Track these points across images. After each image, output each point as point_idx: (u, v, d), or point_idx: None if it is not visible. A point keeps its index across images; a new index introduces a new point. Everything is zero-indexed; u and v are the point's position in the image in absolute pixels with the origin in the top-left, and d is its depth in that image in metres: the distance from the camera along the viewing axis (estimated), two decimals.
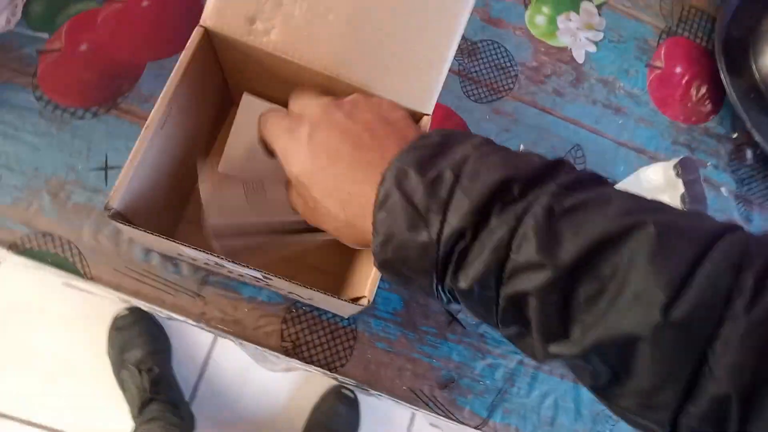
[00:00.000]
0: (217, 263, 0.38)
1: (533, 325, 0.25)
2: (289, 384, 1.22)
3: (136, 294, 0.46)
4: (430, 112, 0.39)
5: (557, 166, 0.28)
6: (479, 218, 0.26)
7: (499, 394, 0.49)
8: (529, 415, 0.49)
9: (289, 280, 0.36)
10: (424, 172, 0.28)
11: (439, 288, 0.28)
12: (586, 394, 0.51)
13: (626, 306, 0.23)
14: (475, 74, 0.56)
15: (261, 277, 0.38)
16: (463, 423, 0.49)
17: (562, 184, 0.26)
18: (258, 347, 0.48)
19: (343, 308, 0.42)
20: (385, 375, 0.48)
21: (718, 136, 0.60)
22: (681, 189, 0.46)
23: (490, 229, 0.26)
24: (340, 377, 0.48)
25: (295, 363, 0.48)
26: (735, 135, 0.60)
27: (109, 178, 0.47)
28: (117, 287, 0.46)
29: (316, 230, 0.36)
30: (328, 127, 0.33)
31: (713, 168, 0.59)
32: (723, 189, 0.59)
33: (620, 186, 0.50)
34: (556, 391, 0.50)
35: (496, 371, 0.50)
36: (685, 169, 0.45)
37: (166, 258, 0.47)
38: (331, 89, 0.38)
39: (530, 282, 0.24)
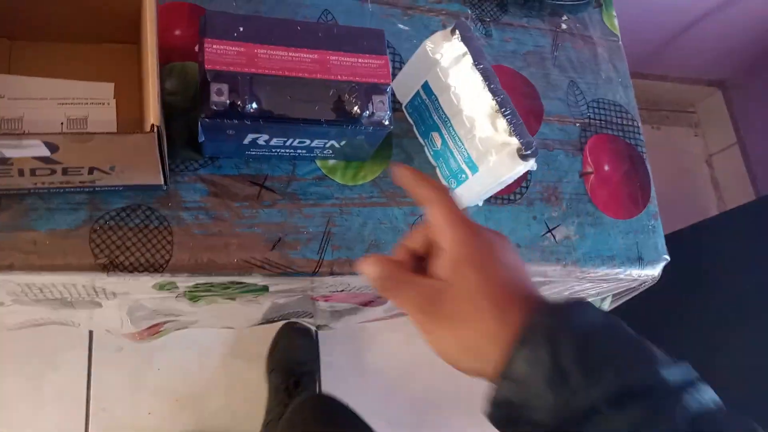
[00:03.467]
0: None
1: None
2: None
3: None
4: None
5: (694, 377, 0.30)
6: (619, 400, 0.28)
7: (324, 236, 0.54)
8: (355, 245, 0.54)
9: (78, 133, 0.37)
10: (577, 335, 0.30)
11: None
12: (397, 211, 0.57)
13: None
14: None
15: (49, 153, 0.38)
16: (300, 272, 0.52)
17: (700, 404, 0.29)
18: (74, 276, 0.47)
19: (142, 154, 0.42)
20: (214, 256, 0.50)
21: None
22: (461, 48, 0.50)
23: (628, 411, 0.28)
24: (169, 276, 0.49)
25: (118, 278, 0.48)
26: None
27: None
28: None
29: None
30: (507, 248, 0.35)
31: (447, 1, 0.67)
32: (459, 14, 0.67)
33: (411, 62, 0.55)
34: (372, 217, 0.56)
35: (314, 219, 0.54)
36: (461, 29, 0.51)
37: None
38: None
39: None
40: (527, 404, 0.29)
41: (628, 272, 0.64)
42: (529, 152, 0.49)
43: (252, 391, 1.24)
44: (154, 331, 0.79)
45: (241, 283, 0.54)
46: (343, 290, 0.61)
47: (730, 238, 1.25)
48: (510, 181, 0.53)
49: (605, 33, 0.73)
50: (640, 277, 0.65)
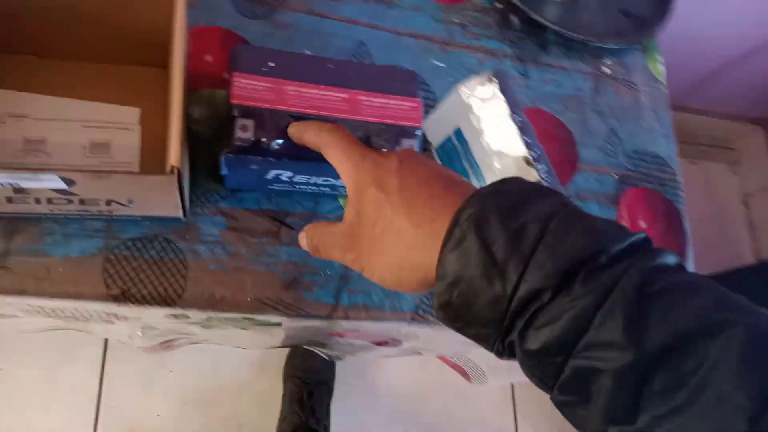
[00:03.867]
0: (15, 184, 0.37)
1: (598, 403, 0.25)
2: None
3: None
4: None
5: (645, 242, 0.27)
6: (561, 281, 0.25)
7: (341, 279, 0.52)
8: (372, 290, 0.52)
9: (95, 170, 0.36)
10: (507, 222, 0.27)
11: (498, 340, 0.28)
12: None
13: (707, 407, 0.22)
14: None
15: (66, 186, 0.37)
16: (314, 315, 0.50)
17: (652, 264, 0.25)
18: (85, 303, 0.46)
19: (160, 191, 0.41)
20: (228, 293, 0.49)
21: (484, 9, 0.66)
22: (500, 98, 0.49)
23: (574, 295, 0.25)
24: (180, 310, 0.48)
25: (129, 310, 0.47)
26: (499, 5, 0.67)
27: None
28: None
29: None
30: (417, 163, 0.33)
31: (486, 38, 0.65)
32: (497, 52, 0.65)
33: (445, 105, 0.53)
34: None
35: (333, 261, 0.52)
36: (499, 77, 0.49)
37: None
38: None
39: (608, 361, 0.24)
40: (467, 304, 0.28)
41: None
42: None
43: (262, 402, 1.23)
44: (168, 345, 0.78)
45: (253, 318, 0.53)
46: (357, 331, 0.59)
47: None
48: None
49: (649, 79, 0.70)
50: None
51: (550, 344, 0.25)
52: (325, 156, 0.37)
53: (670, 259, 0.27)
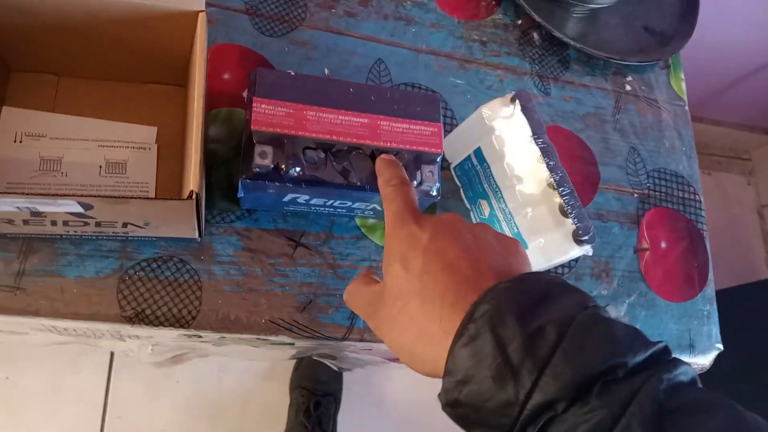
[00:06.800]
0: (32, 208, 0.36)
1: None
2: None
3: None
4: (203, 7, 0.40)
5: (664, 352, 0.27)
6: (577, 393, 0.24)
7: None
8: None
9: (113, 196, 0.35)
10: (524, 323, 0.26)
11: None
12: None
13: None
14: (263, 10, 0.57)
15: (83, 210, 0.36)
16: (329, 338, 0.50)
17: (670, 379, 0.25)
18: (99, 324, 0.46)
19: (178, 215, 0.40)
20: (242, 315, 0.48)
21: (504, 25, 0.65)
22: (522, 120, 0.48)
23: (590, 407, 0.24)
24: (194, 331, 0.47)
25: (143, 330, 0.47)
26: (520, 21, 0.66)
27: None
28: None
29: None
30: (449, 239, 0.32)
31: (506, 55, 0.64)
32: (518, 70, 0.64)
33: (465, 125, 0.52)
34: None
35: (349, 281, 0.51)
36: (522, 99, 0.48)
37: None
38: (100, 11, 0.39)
39: None
40: (477, 406, 0.26)
41: None
42: (586, 238, 0.45)
43: (268, 412, 1.22)
44: (177, 360, 0.78)
45: (267, 339, 0.52)
46: (371, 349, 0.59)
47: None
48: (561, 263, 0.49)
49: (671, 97, 0.69)
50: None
51: None
52: (384, 209, 0.36)
53: (688, 372, 0.26)
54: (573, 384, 0.24)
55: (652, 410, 0.23)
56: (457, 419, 0.28)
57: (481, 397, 0.26)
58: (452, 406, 0.27)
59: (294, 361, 1.24)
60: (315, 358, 0.88)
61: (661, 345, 0.27)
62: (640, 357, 0.25)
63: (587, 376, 0.24)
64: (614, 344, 0.25)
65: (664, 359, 0.26)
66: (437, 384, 0.28)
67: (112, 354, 1.19)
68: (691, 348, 0.60)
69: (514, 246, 0.33)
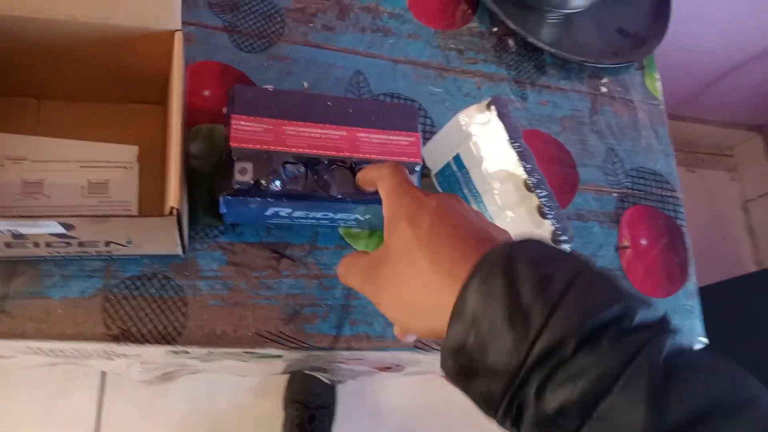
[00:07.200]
0: (13, 230, 0.36)
1: None
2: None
3: None
4: (179, 26, 0.41)
5: (664, 318, 0.27)
6: (588, 335, 0.24)
7: (343, 309, 0.51)
8: (375, 319, 0.52)
9: (98, 215, 0.36)
10: (536, 267, 0.26)
11: (507, 396, 0.25)
12: None
13: None
14: (241, 27, 0.57)
15: (65, 231, 0.37)
16: (316, 348, 0.50)
17: (674, 341, 0.25)
18: (85, 344, 0.46)
19: (160, 232, 0.41)
20: (228, 329, 0.48)
21: (480, 33, 0.66)
22: (499, 125, 0.49)
23: (600, 353, 0.24)
24: (181, 347, 0.48)
25: (130, 348, 0.47)
26: (495, 29, 0.67)
27: None
28: None
29: None
30: (456, 207, 0.33)
31: (483, 62, 0.65)
32: (495, 76, 0.65)
33: (443, 132, 0.53)
34: None
35: (334, 291, 0.52)
36: (497, 104, 0.49)
37: None
38: (77, 34, 0.39)
39: (626, 427, 0.23)
40: (484, 347, 0.25)
41: None
42: (564, 238, 0.46)
43: (262, 428, 1.22)
44: (167, 378, 0.78)
45: (255, 352, 0.52)
46: (360, 359, 0.59)
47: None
48: None
49: (647, 97, 0.70)
50: None
51: (570, 405, 0.24)
52: (378, 189, 0.37)
53: (687, 340, 0.27)
54: (582, 325, 0.24)
55: (659, 363, 0.24)
56: (458, 371, 0.27)
57: (489, 338, 0.25)
58: (456, 353, 0.27)
59: (287, 376, 1.24)
60: (307, 372, 0.88)
61: (663, 311, 0.27)
62: (645, 315, 0.25)
63: (597, 320, 0.24)
64: (622, 295, 0.26)
65: (666, 324, 0.27)
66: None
67: (103, 375, 1.18)
68: None
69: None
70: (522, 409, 0.25)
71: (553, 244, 0.30)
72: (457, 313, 0.27)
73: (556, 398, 0.24)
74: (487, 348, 0.25)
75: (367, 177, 0.41)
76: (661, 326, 0.26)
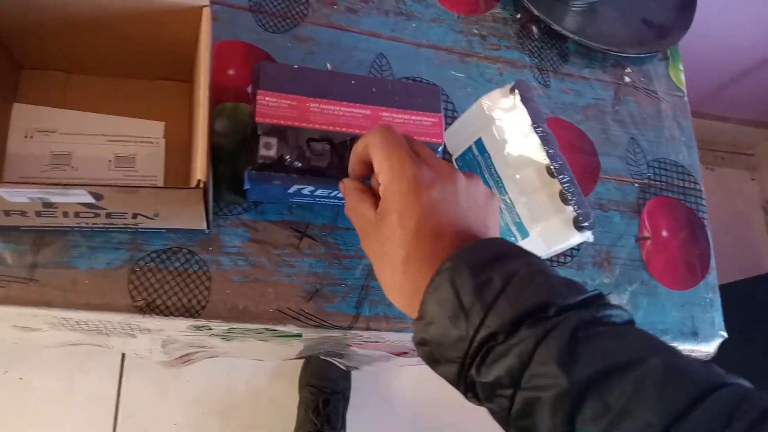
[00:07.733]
0: (44, 198, 0.37)
1: (541, 429, 0.29)
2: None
3: None
4: (207, 2, 0.41)
5: (595, 299, 0.32)
6: (513, 327, 0.30)
7: (363, 290, 0.52)
8: None
9: (124, 186, 0.37)
10: (476, 275, 0.31)
11: (462, 377, 0.32)
12: None
13: (628, 429, 0.26)
14: (266, 6, 0.58)
15: (94, 200, 0.38)
16: (335, 326, 0.51)
17: (594, 315, 0.30)
18: (110, 315, 0.47)
19: (186, 205, 0.41)
20: (250, 305, 0.49)
21: (504, 19, 0.66)
22: (522, 110, 0.48)
23: (520, 337, 0.29)
24: (204, 321, 0.48)
25: (154, 322, 0.48)
26: (519, 15, 0.67)
27: None
28: None
29: None
30: (446, 202, 0.36)
31: (505, 48, 0.65)
32: (517, 63, 0.65)
33: (466, 116, 0.53)
34: None
35: (354, 271, 0.52)
36: (521, 89, 0.49)
37: None
38: (107, 7, 0.41)
39: (546, 390, 0.28)
40: (439, 343, 0.32)
41: (680, 348, 0.60)
42: (586, 224, 0.46)
43: (278, 410, 1.23)
44: (186, 360, 0.79)
45: (275, 329, 0.53)
46: (378, 342, 0.59)
47: None
48: (561, 250, 0.50)
49: (671, 88, 0.70)
50: (693, 353, 0.61)
51: (501, 377, 0.29)
52: (372, 158, 0.37)
53: (621, 316, 0.31)
54: (511, 320, 0.30)
55: (569, 334, 0.29)
56: (426, 359, 0.34)
57: (442, 334, 0.32)
58: (421, 344, 0.33)
59: (302, 361, 1.25)
60: (322, 357, 0.89)
61: (594, 292, 0.32)
62: (571, 300, 0.31)
63: (523, 313, 0.30)
64: (549, 290, 0.31)
65: (597, 303, 0.32)
66: (444, 383, 0.34)
67: (123, 355, 1.20)
68: (694, 335, 0.60)
69: (493, 206, 0.39)
70: (474, 387, 0.31)
71: (504, 242, 0.35)
72: (420, 316, 0.33)
73: (490, 374, 0.30)
74: (441, 343, 0.32)
75: (356, 152, 0.39)
76: (589, 306, 0.31)
